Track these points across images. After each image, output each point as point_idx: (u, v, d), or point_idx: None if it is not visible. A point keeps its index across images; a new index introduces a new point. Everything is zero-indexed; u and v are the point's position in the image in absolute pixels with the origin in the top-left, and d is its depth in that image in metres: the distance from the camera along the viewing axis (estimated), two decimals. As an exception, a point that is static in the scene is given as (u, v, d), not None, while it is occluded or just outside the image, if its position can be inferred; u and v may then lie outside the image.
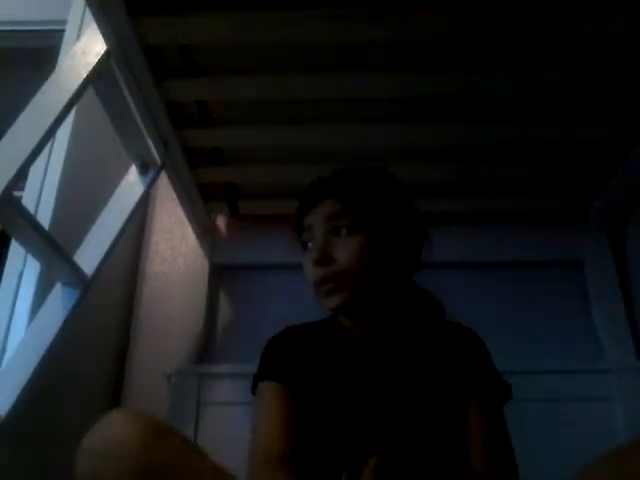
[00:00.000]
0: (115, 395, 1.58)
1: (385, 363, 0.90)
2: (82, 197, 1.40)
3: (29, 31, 1.64)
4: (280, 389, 0.88)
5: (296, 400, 0.87)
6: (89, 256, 1.21)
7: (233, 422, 1.47)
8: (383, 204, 0.91)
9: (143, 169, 1.39)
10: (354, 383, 0.88)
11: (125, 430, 0.69)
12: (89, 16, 1.13)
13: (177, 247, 1.79)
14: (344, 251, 0.86)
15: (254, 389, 0.93)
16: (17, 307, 1.19)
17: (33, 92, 1.04)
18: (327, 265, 0.86)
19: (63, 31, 1.45)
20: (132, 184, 1.37)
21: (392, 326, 0.93)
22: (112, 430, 0.70)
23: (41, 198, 1.28)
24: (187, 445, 0.75)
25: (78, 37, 1.35)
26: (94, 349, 1.49)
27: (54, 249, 1.07)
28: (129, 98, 1.23)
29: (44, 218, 1.23)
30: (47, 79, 1.06)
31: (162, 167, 1.42)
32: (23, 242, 1.09)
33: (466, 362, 0.91)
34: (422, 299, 0.98)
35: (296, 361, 0.91)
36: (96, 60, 1.09)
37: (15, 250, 1.23)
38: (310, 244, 0.91)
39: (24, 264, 1.22)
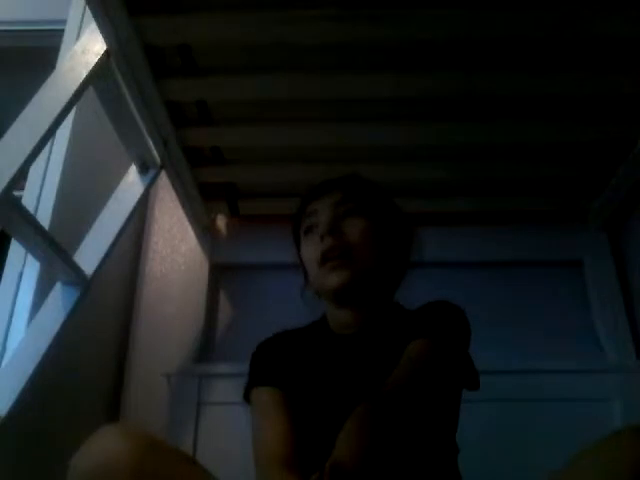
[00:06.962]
0: (115, 395, 1.58)
1: (359, 355, 0.89)
2: (82, 197, 1.40)
3: (29, 31, 1.64)
4: (276, 393, 0.89)
5: (290, 403, 0.88)
6: (89, 256, 1.21)
7: (233, 422, 1.46)
8: (379, 199, 0.99)
9: (143, 169, 1.39)
10: (332, 381, 0.88)
11: (116, 450, 0.67)
12: (89, 16, 1.13)
13: (177, 247, 1.78)
14: (351, 227, 0.91)
15: (246, 396, 0.94)
16: (17, 307, 1.19)
17: (33, 92, 1.04)
18: (337, 236, 0.90)
19: (63, 31, 1.45)
20: (132, 184, 1.37)
21: (371, 317, 0.93)
22: (102, 450, 0.67)
23: (41, 198, 1.28)
24: (180, 458, 0.74)
25: (78, 37, 1.35)
26: (94, 349, 1.49)
27: (54, 249, 1.07)
28: (129, 98, 1.23)
29: (44, 218, 1.23)
30: (47, 79, 1.06)
31: (162, 167, 1.42)
32: (23, 242, 1.09)
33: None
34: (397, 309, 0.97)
35: (286, 365, 0.93)
36: (96, 60, 1.09)
37: (15, 250, 1.23)
38: (314, 228, 0.94)
39: (24, 264, 1.22)
